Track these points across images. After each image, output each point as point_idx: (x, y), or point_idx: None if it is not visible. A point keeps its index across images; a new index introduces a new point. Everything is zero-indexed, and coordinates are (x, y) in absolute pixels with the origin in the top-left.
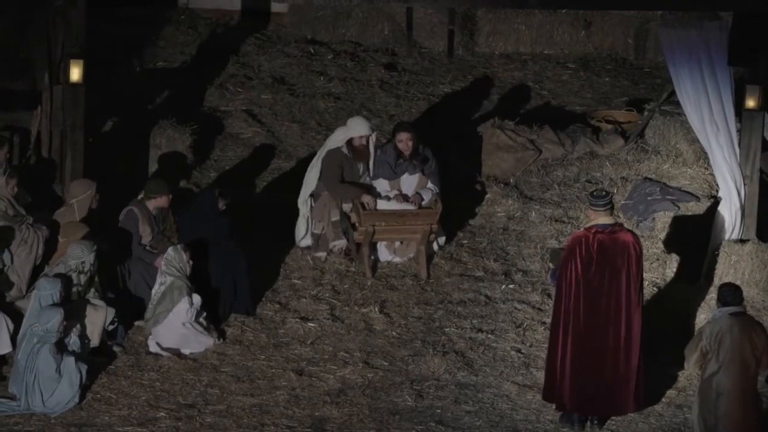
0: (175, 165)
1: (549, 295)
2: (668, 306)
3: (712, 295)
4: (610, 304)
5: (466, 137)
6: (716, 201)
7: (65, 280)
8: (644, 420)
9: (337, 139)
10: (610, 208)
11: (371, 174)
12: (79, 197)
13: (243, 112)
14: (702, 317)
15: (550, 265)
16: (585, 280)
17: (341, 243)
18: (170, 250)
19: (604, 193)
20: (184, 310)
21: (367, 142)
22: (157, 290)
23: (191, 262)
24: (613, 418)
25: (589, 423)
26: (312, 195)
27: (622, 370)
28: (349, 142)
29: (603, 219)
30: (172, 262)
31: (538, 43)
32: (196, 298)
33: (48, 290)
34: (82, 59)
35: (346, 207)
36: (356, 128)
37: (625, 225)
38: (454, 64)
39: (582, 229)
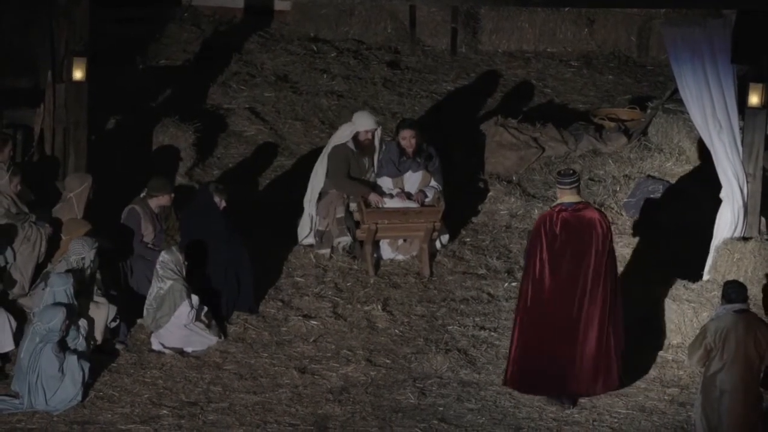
0: (178, 163)
1: None
2: (670, 304)
3: (715, 293)
4: (574, 282)
5: (469, 135)
6: (719, 199)
7: (76, 275)
8: (647, 418)
9: (343, 134)
10: (577, 186)
11: (376, 170)
12: (76, 191)
13: (246, 109)
14: (705, 315)
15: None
16: (550, 258)
17: (346, 240)
18: (164, 253)
19: (571, 171)
20: (185, 313)
21: (373, 136)
22: (155, 294)
23: (186, 263)
24: (614, 415)
25: (559, 404)
26: (319, 193)
27: (579, 350)
28: (355, 138)
29: (568, 197)
30: (168, 264)
31: (541, 40)
32: (195, 299)
33: (61, 286)
34: (86, 57)
35: (353, 205)
36: (362, 123)
37: (629, 222)
38: (457, 62)
39: (548, 209)
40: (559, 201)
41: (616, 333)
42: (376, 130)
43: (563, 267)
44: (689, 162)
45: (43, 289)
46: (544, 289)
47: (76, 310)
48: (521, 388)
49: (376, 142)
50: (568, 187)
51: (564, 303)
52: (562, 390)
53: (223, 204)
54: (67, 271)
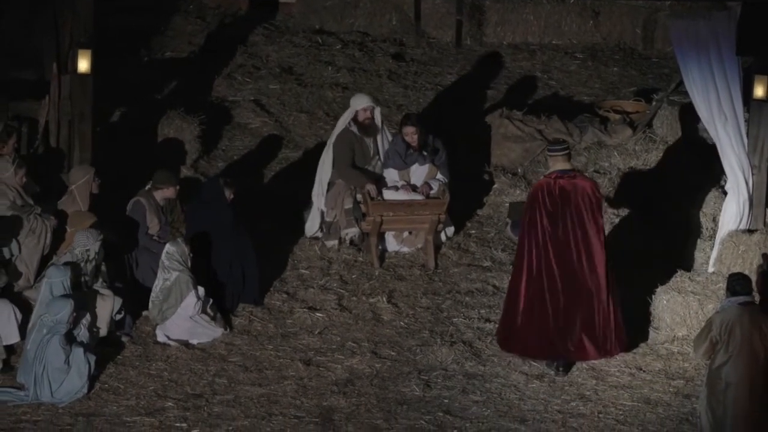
0: (183, 155)
1: None
2: (675, 296)
3: (720, 285)
4: (575, 247)
5: (474, 127)
6: (724, 191)
7: (75, 267)
8: (652, 410)
9: (344, 120)
10: (568, 153)
11: (381, 157)
12: (78, 183)
13: (251, 102)
14: (710, 307)
15: (508, 219)
16: (550, 223)
17: (353, 231)
18: (169, 244)
19: (561, 140)
20: (192, 304)
21: (372, 115)
22: (162, 286)
23: (191, 255)
24: (619, 407)
25: (554, 370)
26: (327, 184)
27: (588, 314)
28: (356, 120)
29: (561, 165)
30: (174, 255)
31: (547, 33)
32: (201, 290)
33: (58, 277)
34: (90, 49)
35: (360, 196)
36: (358, 102)
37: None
38: (462, 54)
39: (542, 177)
40: (552, 169)
41: (615, 299)
42: (373, 108)
43: (562, 233)
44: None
45: None
46: (549, 256)
47: (80, 304)
48: (536, 354)
49: (377, 122)
50: (560, 154)
51: (566, 269)
52: (566, 354)
53: (231, 197)
54: (66, 263)
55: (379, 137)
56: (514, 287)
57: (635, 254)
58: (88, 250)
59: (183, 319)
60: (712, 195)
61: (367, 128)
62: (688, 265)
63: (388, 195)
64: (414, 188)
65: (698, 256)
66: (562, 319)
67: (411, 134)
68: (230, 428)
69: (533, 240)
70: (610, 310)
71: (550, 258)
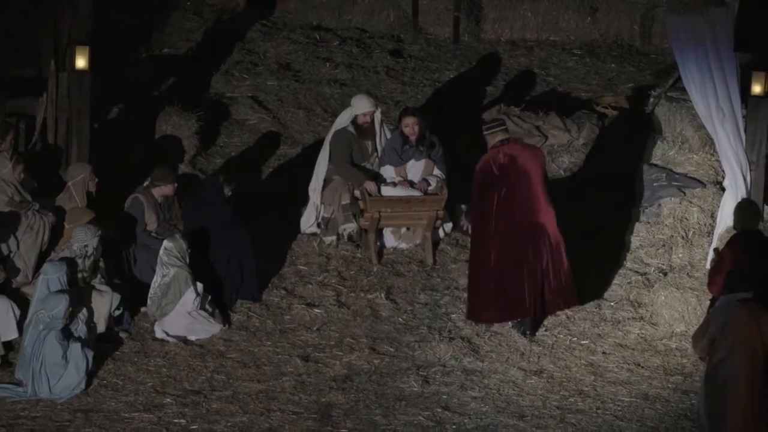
0: (181, 152)
1: None
2: (674, 292)
3: None
4: (526, 207)
5: (471, 124)
6: (722, 187)
7: (70, 263)
8: (650, 406)
9: (343, 119)
10: (505, 128)
11: (380, 154)
12: (74, 180)
13: (249, 98)
14: (708, 303)
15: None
16: (500, 187)
17: (351, 227)
18: (168, 240)
19: (495, 117)
20: (191, 300)
21: (372, 119)
22: (160, 282)
23: (189, 251)
24: (618, 403)
25: (522, 332)
26: (324, 180)
27: (552, 269)
28: (355, 121)
29: (501, 136)
30: (172, 251)
31: (544, 29)
32: (199, 286)
33: (54, 273)
34: (88, 46)
35: (357, 192)
36: (360, 106)
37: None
38: (459, 51)
39: (487, 152)
40: (494, 142)
41: (565, 255)
42: (374, 112)
43: (521, 197)
44: (692, 150)
45: None
46: (513, 220)
47: (77, 299)
48: (502, 317)
49: (377, 126)
50: (499, 129)
51: (534, 232)
52: (532, 312)
53: (229, 193)
54: (61, 259)
55: (378, 137)
56: (482, 256)
57: (632, 249)
58: (86, 246)
59: (181, 315)
60: (710, 191)
61: (365, 131)
62: (686, 261)
63: (387, 191)
64: (412, 184)
65: (696, 252)
66: (517, 280)
67: (412, 125)
68: (229, 424)
69: (487, 207)
70: (561, 266)
71: (508, 223)
